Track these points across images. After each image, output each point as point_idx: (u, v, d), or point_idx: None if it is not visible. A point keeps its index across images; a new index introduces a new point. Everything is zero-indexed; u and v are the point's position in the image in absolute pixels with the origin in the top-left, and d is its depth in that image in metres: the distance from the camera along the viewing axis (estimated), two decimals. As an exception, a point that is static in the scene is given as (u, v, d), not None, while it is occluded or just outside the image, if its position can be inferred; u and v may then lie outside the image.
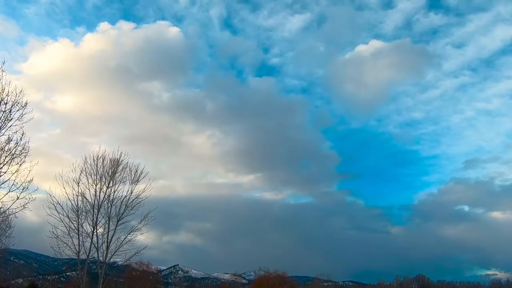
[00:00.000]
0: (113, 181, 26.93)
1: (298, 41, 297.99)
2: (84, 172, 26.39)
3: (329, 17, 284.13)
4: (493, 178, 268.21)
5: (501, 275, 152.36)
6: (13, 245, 31.52)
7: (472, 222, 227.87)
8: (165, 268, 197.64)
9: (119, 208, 26.79)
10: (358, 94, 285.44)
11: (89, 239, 25.83)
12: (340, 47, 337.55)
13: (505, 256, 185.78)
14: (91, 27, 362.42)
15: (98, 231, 26.20)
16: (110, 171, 26.99)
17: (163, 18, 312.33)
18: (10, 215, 23.03)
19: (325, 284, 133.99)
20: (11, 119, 19.10)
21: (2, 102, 18.85)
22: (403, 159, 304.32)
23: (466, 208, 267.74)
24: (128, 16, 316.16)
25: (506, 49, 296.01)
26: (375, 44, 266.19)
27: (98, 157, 26.99)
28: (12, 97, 18.99)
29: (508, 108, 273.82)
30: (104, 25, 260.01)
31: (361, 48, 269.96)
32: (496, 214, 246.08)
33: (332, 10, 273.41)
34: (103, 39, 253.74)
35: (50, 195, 24.86)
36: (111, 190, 26.79)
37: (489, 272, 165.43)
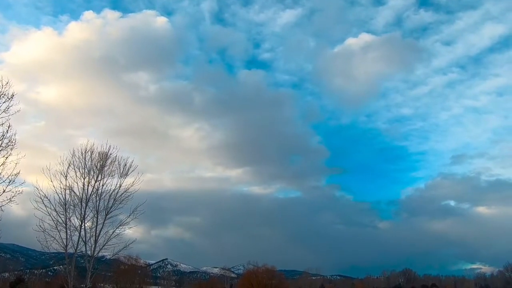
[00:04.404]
0: (101, 175, 26.67)
1: (289, 36, 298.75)
2: (72, 166, 26.11)
3: (320, 11, 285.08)
4: (479, 174, 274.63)
5: (485, 269, 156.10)
6: (-1, 238, 31.12)
7: (458, 217, 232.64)
8: (154, 262, 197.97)
9: (108, 202, 26.60)
10: (348, 89, 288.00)
11: (77, 233, 25.61)
12: (331, 42, 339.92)
13: (490, 250, 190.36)
14: (75, 16, 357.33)
15: (86, 225, 26.00)
16: (98, 164, 26.72)
17: (153, 10, 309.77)
18: (-4, 208, 22.70)
19: (313, 278, 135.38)
20: (-3, 111, 18.83)
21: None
22: (391, 154, 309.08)
23: (452, 203, 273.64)
24: (115, 6, 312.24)
25: (494, 47, 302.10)
26: (365, 37, 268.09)
27: (86, 150, 26.72)
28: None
29: (495, 106, 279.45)
30: (88, 14, 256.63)
31: (350, 41, 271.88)
32: (482, 209, 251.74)
33: (323, 4, 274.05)
34: (88, 28, 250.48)
35: (37, 189, 24.57)
36: (99, 183, 26.54)
37: (474, 266, 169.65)
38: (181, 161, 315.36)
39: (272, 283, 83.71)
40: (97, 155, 26.91)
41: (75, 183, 25.97)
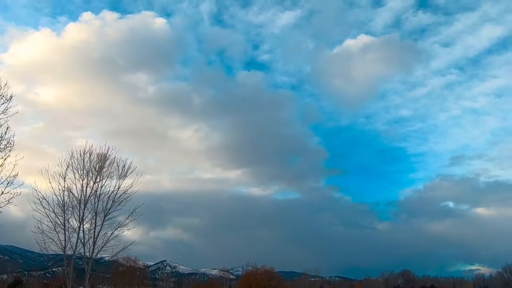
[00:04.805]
0: (100, 176, 26.66)
1: (288, 38, 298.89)
2: (70, 167, 26.09)
3: (319, 13, 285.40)
4: (478, 175, 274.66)
5: (484, 270, 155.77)
6: (-3, 240, 30.99)
7: (456, 218, 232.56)
8: (153, 263, 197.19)
9: (106, 204, 26.56)
10: (346, 90, 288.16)
11: (75, 235, 25.57)
12: (329, 43, 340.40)
13: (489, 251, 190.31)
14: (73, 17, 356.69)
15: (84, 227, 25.96)
16: (97, 166, 26.70)
17: (152, 11, 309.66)
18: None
19: (312, 279, 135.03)
20: (-4, 113, 18.81)
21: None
22: (390, 156, 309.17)
23: (451, 204, 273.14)
24: (114, 7, 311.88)
25: (493, 48, 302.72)
26: (363, 38, 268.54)
27: (85, 151, 26.71)
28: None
29: (493, 107, 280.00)
30: (87, 15, 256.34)
31: (349, 42, 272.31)
32: (481, 210, 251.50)
33: (322, 5, 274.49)
34: (87, 29, 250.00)
35: (36, 190, 24.52)
36: (98, 185, 26.53)
37: (473, 267, 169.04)
38: (180, 162, 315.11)
39: (271, 284, 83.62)
40: (95, 156, 26.92)
41: (73, 185, 25.97)
